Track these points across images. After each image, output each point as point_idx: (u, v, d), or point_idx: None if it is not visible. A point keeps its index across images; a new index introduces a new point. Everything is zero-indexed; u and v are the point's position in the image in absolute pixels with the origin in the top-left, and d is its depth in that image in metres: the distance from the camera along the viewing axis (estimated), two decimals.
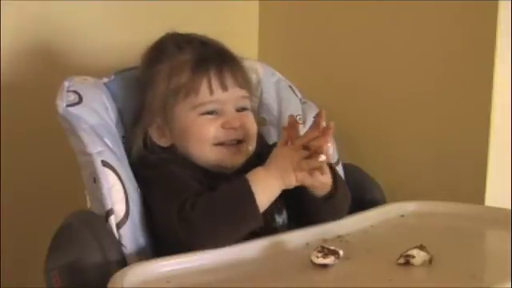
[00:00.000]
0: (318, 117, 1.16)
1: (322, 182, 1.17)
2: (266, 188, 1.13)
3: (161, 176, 1.19)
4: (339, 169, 1.42)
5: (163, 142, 1.26)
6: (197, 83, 1.23)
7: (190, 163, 1.23)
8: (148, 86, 1.26)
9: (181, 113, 1.24)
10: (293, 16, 1.74)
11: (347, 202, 1.26)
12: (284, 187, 1.15)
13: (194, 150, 1.24)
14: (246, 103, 1.28)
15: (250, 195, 1.11)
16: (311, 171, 1.14)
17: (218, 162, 1.23)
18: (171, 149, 1.25)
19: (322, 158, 1.13)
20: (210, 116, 1.23)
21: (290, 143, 1.15)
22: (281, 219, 1.24)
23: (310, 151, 1.13)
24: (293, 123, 1.18)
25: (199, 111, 1.23)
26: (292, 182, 1.14)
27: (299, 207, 1.23)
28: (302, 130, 1.40)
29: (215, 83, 1.23)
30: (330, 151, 1.14)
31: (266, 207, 1.14)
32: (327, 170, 1.18)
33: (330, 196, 1.21)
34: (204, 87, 1.23)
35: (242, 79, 1.27)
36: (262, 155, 1.26)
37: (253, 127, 1.27)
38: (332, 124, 1.14)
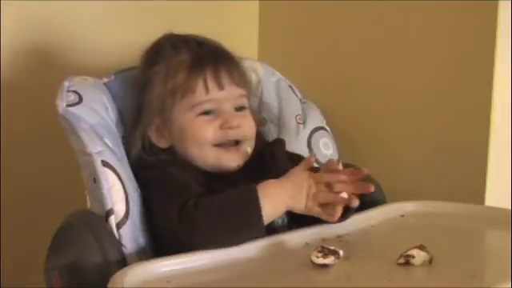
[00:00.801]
0: (357, 170, 1.17)
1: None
2: (275, 202, 1.14)
3: (160, 177, 1.19)
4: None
5: (162, 144, 1.26)
6: (193, 83, 1.23)
7: (188, 165, 1.23)
8: (146, 88, 1.26)
9: (179, 113, 1.24)
10: (293, 16, 1.74)
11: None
12: (291, 208, 1.16)
13: (193, 152, 1.23)
14: (244, 102, 1.28)
15: (257, 205, 1.11)
16: (323, 205, 1.15)
17: (217, 163, 1.23)
18: (170, 150, 1.25)
19: (344, 195, 1.14)
20: (207, 117, 1.23)
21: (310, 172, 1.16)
22: (280, 220, 1.24)
23: (330, 188, 1.14)
24: (333, 168, 1.18)
25: (196, 111, 1.23)
26: (301, 207, 1.15)
27: None
28: (302, 131, 1.42)
29: (211, 82, 1.23)
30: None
31: (271, 220, 1.14)
32: (340, 211, 1.17)
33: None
34: (200, 86, 1.23)
35: (239, 78, 1.27)
36: (262, 155, 1.27)
37: (251, 128, 1.27)
38: (366, 171, 1.16)
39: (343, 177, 1.16)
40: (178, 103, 1.23)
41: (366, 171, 1.16)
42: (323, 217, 1.16)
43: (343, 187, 1.15)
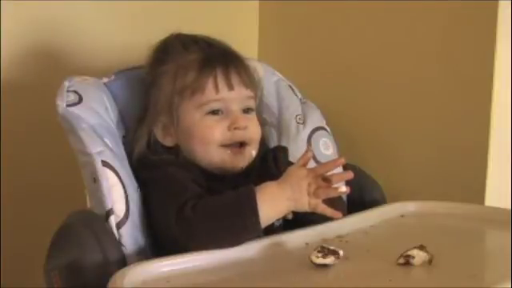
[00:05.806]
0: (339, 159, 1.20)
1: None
2: (274, 205, 1.12)
3: (160, 177, 1.19)
4: (339, 169, 1.41)
5: (168, 142, 1.26)
6: (203, 82, 1.23)
7: (191, 164, 1.23)
8: (154, 86, 1.26)
9: (186, 112, 1.24)
10: (293, 16, 1.74)
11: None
12: (294, 209, 1.15)
13: (199, 151, 1.23)
14: (252, 104, 1.28)
15: (254, 207, 1.10)
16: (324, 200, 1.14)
17: (222, 163, 1.23)
18: (175, 149, 1.25)
19: (343, 189, 1.14)
20: (215, 117, 1.23)
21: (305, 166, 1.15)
22: (279, 222, 1.24)
23: (328, 182, 1.14)
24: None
25: (204, 110, 1.23)
26: (305, 206, 1.14)
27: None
28: (301, 131, 1.42)
29: (221, 82, 1.23)
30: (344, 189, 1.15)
31: (270, 222, 1.14)
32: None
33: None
34: (210, 86, 1.23)
35: (248, 79, 1.27)
36: (265, 159, 1.27)
37: (257, 131, 1.27)
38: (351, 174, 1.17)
39: (332, 166, 1.17)
40: (186, 102, 1.24)
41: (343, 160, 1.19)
42: (328, 214, 1.15)
43: (339, 179, 1.15)
